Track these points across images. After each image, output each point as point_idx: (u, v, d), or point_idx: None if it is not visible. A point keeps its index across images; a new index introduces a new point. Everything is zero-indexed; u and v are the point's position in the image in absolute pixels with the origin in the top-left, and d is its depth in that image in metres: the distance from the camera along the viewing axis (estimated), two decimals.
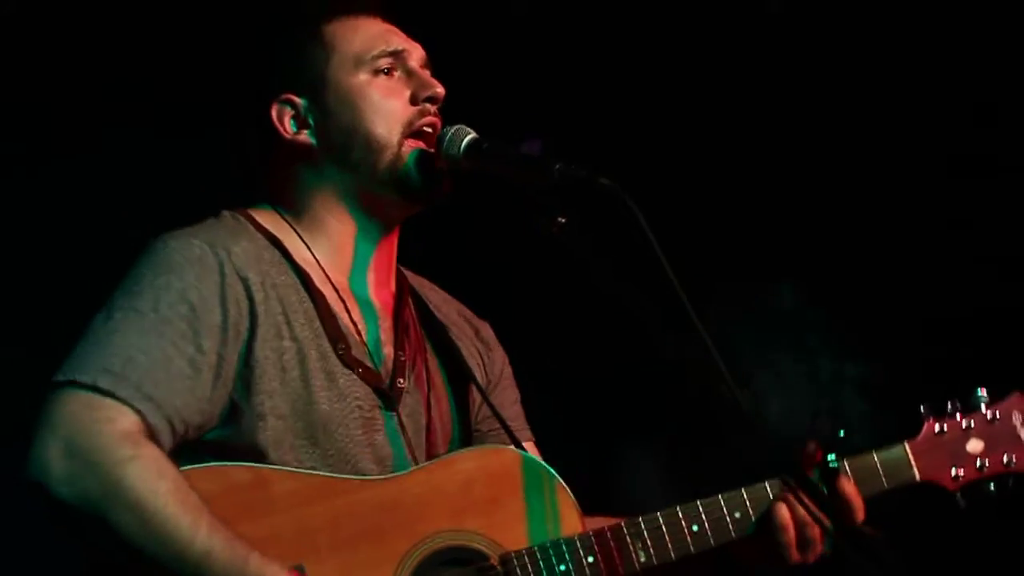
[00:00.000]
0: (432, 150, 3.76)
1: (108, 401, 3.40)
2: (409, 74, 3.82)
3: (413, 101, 3.79)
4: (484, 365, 3.98)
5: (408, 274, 3.98)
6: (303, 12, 3.87)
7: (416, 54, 3.85)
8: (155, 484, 3.36)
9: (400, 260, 3.93)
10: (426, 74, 3.83)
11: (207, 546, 3.36)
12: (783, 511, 3.77)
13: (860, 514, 3.81)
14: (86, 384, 3.41)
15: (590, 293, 3.46)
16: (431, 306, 3.95)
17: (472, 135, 3.72)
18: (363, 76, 3.79)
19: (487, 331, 4.05)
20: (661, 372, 5.38)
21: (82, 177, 5.05)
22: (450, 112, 3.83)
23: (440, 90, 3.80)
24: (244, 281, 3.60)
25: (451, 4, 5.36)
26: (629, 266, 3.35)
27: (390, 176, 3.75)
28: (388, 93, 3.78)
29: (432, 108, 3.79)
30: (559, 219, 3.50)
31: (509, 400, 4.01)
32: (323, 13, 3.85)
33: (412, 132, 3.77)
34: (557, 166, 3.51)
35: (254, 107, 3.82)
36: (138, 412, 3.41)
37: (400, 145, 3.75)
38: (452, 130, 3.74)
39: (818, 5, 5.78)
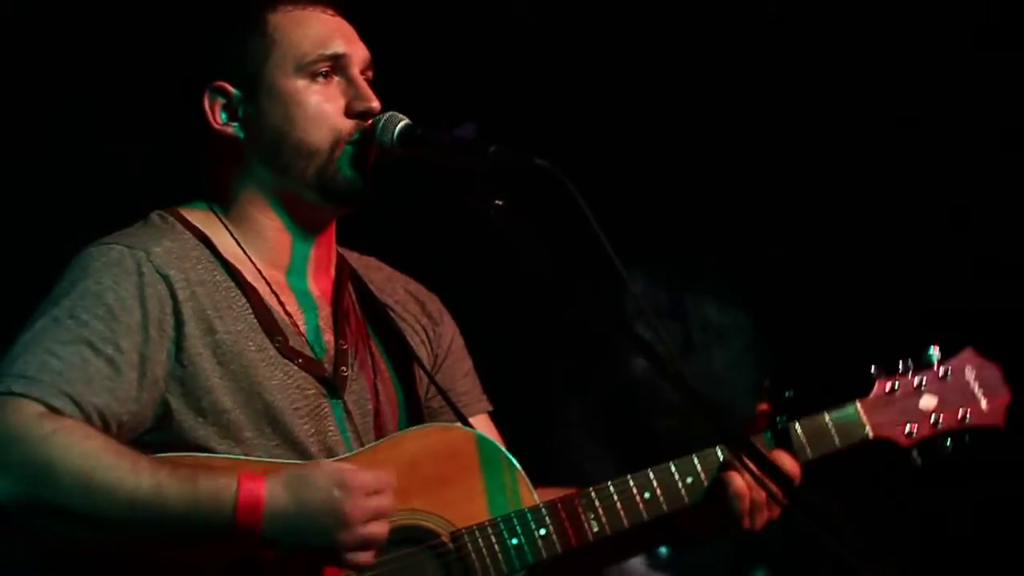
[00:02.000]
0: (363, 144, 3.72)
1: (20, 399, 3.40)
2: (348, 81, 3.76)
3: (347, 112, 3.73)
4: (430, 341, 3.96)
5: (353, 256, 3.96)
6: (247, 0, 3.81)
7: (358, 57, 3.78)
8: (83, 446, 3.36)
9: (343, 242, 3.92)
10: (364, 84, 3.76)
11: (154, 481, 3.36)
12: (736, 477, 3.78)
13: (796, 480, 3.80)
14: (1, 391, 3.40)
15: (528, 273, 3.47)
16: (373, 288, 3.92)
17: (405, 121, 3.69)
18: (300, 81, 3.73)
19: (434, 304, 4.02)
20: (601, 345, 5.46)
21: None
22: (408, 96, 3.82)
23: (375, 104, 3.73)
24: (166, 279, 3.58)
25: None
26: (568, 244, 3.37)
27: (317, 182, 3.72)
28: (323, 100, 3.73)
29: (365, 123, 3.73)
30: (495, 202, 3.49)
31: (460, 372, 3.99)
32: (269, 2, 3.78)
33: (343, 143, 3.73)
34: (492, 148, 3.49)
35: (187, 92, 3.77)
36: (52, 408, 3.40)
37: (330, 152, 3.71)
38: (384, 117, 3.71)
39: (818, 7, 5.80)
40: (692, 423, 3.39)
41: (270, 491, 3.39)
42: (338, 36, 3.79)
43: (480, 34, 5.62)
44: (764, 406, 3.85)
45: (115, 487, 3.35)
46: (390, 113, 3.72)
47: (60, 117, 5.05)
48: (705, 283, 5.99)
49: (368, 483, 3.43)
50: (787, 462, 3.79)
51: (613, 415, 5.81)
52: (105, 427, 3.46)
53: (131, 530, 3.38)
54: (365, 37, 3.85)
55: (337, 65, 3.76)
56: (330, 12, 3.82)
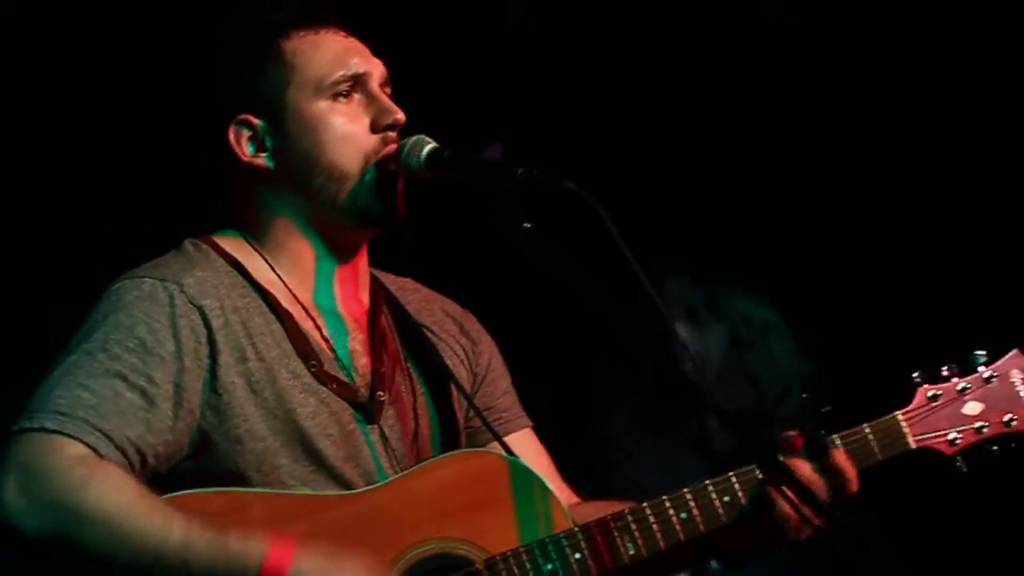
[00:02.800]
0: (391, 169, 3.72)
1: (56, 436, 3.42)
2: (369, 98, 3.76)
3: (374, 128, 3.73)
4: (469, 361, 3.95)
5: (388, 278, 3.96)
6: (261, 28, 3.80)
7: (376, 73, 3.79)
8: (117, 496, 3.39)
9: (376, 264, 3.92)
10: (385, 98, 3.77)
11: (184, 538, 3.38)
12: (781, 496, 3.70)
13: (854, 485, 3.77)
14: (35, 428, 3.43)
15: (559, 294, 3.45)
16: (410, 310, 3.92)
17: (432, 145, 3.68)
18: (323, 103, 3.73)
19: (471, 323, 4.01)
20: (633, 369, 5.43)
21: (38, 207, 5.08)
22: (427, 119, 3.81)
23: (400, 116, 3.74)
24: (199, 309, 3.59)
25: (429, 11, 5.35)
26: (597, 265, 3.35)
27: (349, 206, 3.72)
28: (348, 119, 3.73)
29: (392, 135, 3.73)
30: (524, 224, 3.48)
31: (500, 390, 3.98)
32: (282, 29, 3.78)
33: (373, 161, 3.72)
34: (520, 171, 3.49)
35: (212, 128, 3.78)
36: (88, 445, 3.42)
37: (360, 174, 3.71)
38: (411, 141, 3.70)
39: (818, 9, 5.75)
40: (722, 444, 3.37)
41: (297, 564, 3.40)
42: (354, 55, 3.79)
43: (480, 34, 5.59)
44: (795, 428, 3.81)
45: (144, 540, 3.37)
46: (417, 136, 3.72)
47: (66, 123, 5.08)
48: (742, 283, 5.96)
49: None
50: (805, 470, 3.73)
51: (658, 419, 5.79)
52: (141, 459, 3.49)
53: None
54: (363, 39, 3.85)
55: (357, 83, 3.76)
56: (342, 33, 3.82)
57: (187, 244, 3.77)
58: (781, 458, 3.69)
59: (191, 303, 3.60)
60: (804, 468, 3.74)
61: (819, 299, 5.79)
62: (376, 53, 3.84)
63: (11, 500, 3.37)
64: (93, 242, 5.02)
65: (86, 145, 5.14)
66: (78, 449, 3.42)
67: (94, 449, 3.43)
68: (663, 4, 5.82)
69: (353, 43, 3.82)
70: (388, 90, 3.81)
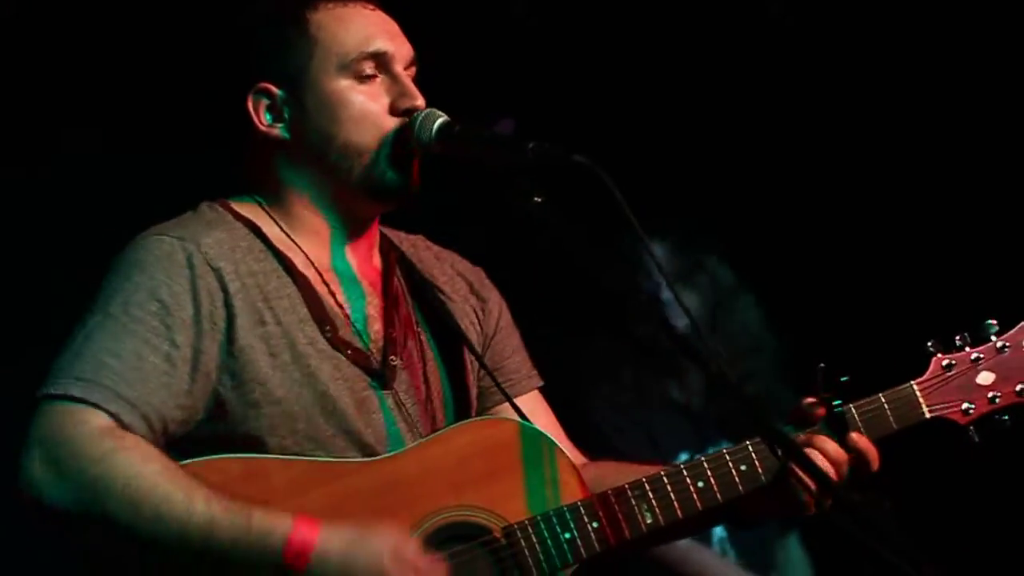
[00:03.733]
0: (405, 142, 3.71)
1: (81, 406, 3.43)
2: (392, 79, 3.74)
3: (392, 111, 3.72)
4: (480, 321, 3.95)
5: (399, 235, 3.96)
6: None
7: (401, 53, 3.76)
8: (140, 468, 3.39)
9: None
10: (408, 81, 3.75)
11: (207, 515, 3.38)
12: (818, 457, 3.70)
13: (875, 464, 3.78)
14: (60, 395, 3.44)
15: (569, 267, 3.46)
16: (422, 268, 3.92)
17: (443, 118, 3.68)
18: (344, 81, 3.71)
19: (481, 280, 4.00)
20: (635, 342, 5.44)
21: (64, 180, 5.10)
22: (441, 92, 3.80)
23: (420, 102, 3.72)
24: (216, 272, 3.59)
25: None
26: (607, 240, 3.37)
27: (363, 181, 3.72)
28: (368, 99, 3.71)
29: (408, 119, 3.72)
30: (535, 198, 3.49)
31: (509, 348, 3.98)
32: (309, 1, 3.76)
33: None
34: (531, 145, 3.49)
35: (233, 93, 3.78)
36: (112, 414, 3.44)
37: (376, 151, 3.71)
38: (423, 114, 3.70)
39: (818, 8, 5.74)
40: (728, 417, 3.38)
41: (322, 542, 3.41)
42: (381, 33, 3.77)
43: (479, 34, 5.60)
44: (818, 392, 3.81)
45: (168, 516, 3.38)
46: (428, 110, 3.72)
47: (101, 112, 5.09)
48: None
49: (422, 565, 3.44)
50: (831, 448, 3.74)
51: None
52: (163, 426, 3.49)
53: (179, 557, 3.41)
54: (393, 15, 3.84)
55: (380, 63, 3.74)
56: (371, 7, 3.80)
57: (204, 206, 3.77)
58: (794, 433, 3.73)
59: (209, 264, 3.60)
60: (829, 445, 3.74)
61: (834, 269, 5.79)
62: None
63: (37, 472, 3.40)
64: (116, 201, 5.03)
65: (102, 117, 5.16)
66: (102, 419, 3.43)
67: (118, 418, 3.44)
68: (663, 4, 5.81)
69: (382, 18, 3.80)
70: (413, 71, 3.79)
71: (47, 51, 5.11)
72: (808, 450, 3.72)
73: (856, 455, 3.77)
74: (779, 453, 3.62)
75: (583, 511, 3.67)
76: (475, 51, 5.61)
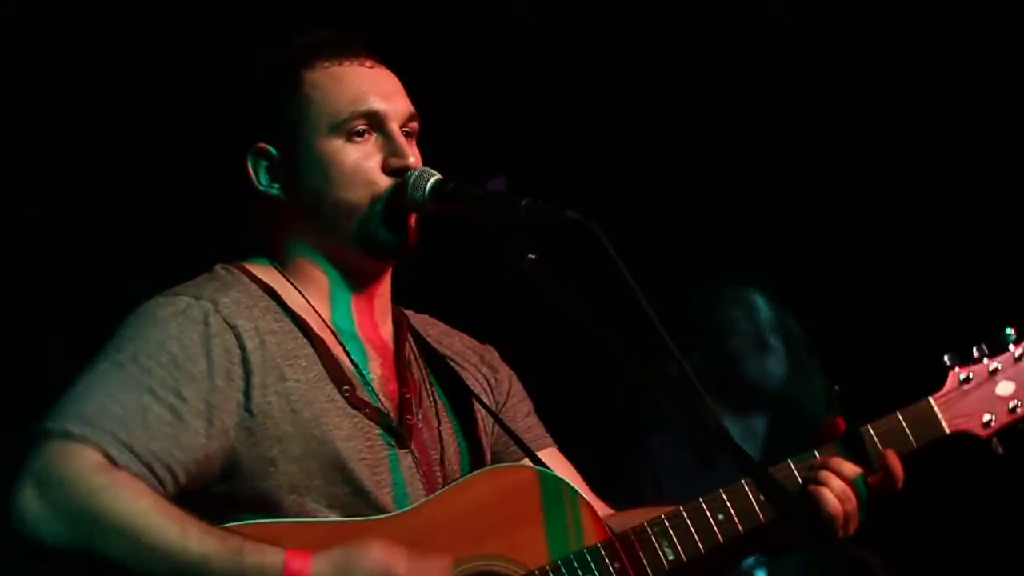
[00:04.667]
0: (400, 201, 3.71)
1: (77, 444, 3.44)
2: (386, 138, 3.73)
3: (384, 169, 3.72)
4: (491, 389, 3.96)
5: (408, 313, 3.97)
6: (285, 57, 3.79)
7: (397, 111, 3.75)
8: (134, 504, 3.40)
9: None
10: (401, 140, 3.73)
11: (202, 549, 3.39)
12: (826, 492, 3.70)
13: (900, 483, 3.76)
14: (58, 431, 3.45)
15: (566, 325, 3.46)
16: (431, 340, 3.93)
17: (436, 177, 3.67)
18: (336, 141, 3.71)
19: (491, 355, 4.02)
20: (640, 397, 5.43)
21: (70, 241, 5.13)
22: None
23: (411, 161, 3.71)
24: (233, 329, 3.60)
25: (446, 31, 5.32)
26: (604, 296, 3.36)
27: (359, 238, 3.71)
28: (360, 159, 3.71)
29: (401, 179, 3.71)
30: (529, 255, 3.49)
31: (522, 414, 3.98)
32: (306, 59, 3.76)
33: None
34: (524, 202, 3.48)
35: (233, 156, 3.79)
36: (107, 454, 3.43)
37: (370, 208, 3.70)
38: (415, 174, 3.69)
39: (818, 9, 5.67)
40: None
41: (315, 570, 3.41)
42: (374, 92, 3.75)
43: (479, 34, 5.56)
44: (834, 415, 3.79)
45: (162, 551, 3.38)
46: (421, 169, 3.71)
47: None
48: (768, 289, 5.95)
49: (417, 574, 3.45)
50: (847, 470, 3.73)
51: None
52: (172, 477, 3.49)
53: None
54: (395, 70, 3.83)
55: (374, 122, 3.73)
56: (368, 64, 3.78)
57: (219, 268, 3.77)
58: (811, 456, 3.73)
59: (225, 322, 3.60)
60: (845, 467, 3.73)
61: (843, 287, 5.77)
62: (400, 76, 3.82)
63: (30, 507, 3.40)
64: (125, 264, 5.06)
65: (107, 179, 5.18)
66: (97, 456, 3.43)
67: (115, 461, 3.44)
68: (663, 4, 5.76)
69: (377, 76, 3.79)
70: (414, 126, 3.78)
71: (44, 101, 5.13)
72: (823, 473, 3.72)
73: (883, 473, 3.75)
74: (777, 505, 3.60)
75: (604, 552, 3.65)
76: (475, 51, 5.58)
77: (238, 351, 3.60)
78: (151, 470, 3.47)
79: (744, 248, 5.88)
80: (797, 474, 3.76)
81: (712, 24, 5.78)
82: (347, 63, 3.77)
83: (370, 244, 3.73)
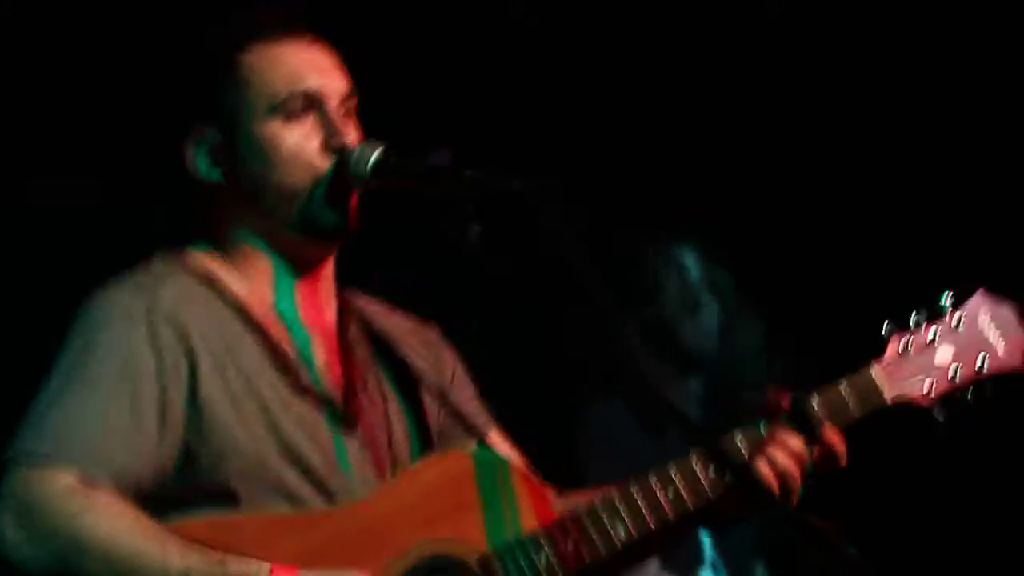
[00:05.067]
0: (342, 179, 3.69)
1: (48, 467, 3.43)
2: (324, 117, 3.71)
3: (324, 148, 3.69)
4: (435, 370, 3.94)
5: (348, 293, 3.94)
6: (222, 40, 3.77)
7: (333, 89, 3.72)
8: (113, 525, 3.39)
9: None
10: (337, 119, 3.71)
11: (183, 567, 3.39)
12: (762, 463, 3.70)
13: (843, 459, 3.77)
14: (27, 454, 3.44)
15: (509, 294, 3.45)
16: (375, 322, 3.91)
17: (378, 152, 3.65)
18: (274, 123, 3.68)
19: (433, 334, 4.01)
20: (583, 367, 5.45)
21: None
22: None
23: (349, 140, 3.68)
24: (175, 322, 3.58)
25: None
26: (544, 262, 3.35)
27: (300, 222, 3.69)
28: (300, 140, 3.68)
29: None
30: (473, 227, 3.46)
31: (465, 397, 3.97)
32: (242, 41, 3.74)
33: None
34: (468, 174, 3.47)
35: (169, 140, 3.77)
36: (80, 472, 3.43)
37: (311, 191, 3.68)
38: (358, 150, 3.66)
39: (818, 9, 5.71)
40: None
41: None
42: (311, 70, 3.73)
43: (478, 34, 5.57)
44: (775, 389, 3.80)
45: (143, 572, 3.39)
46: (363, 144, 3.68)
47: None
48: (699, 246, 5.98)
49: None
50: (794, 443, 3.73)
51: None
52: (135, 482, 3.48)
53: None
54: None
55: (311, 101, 3.70)
56: (307, 40, 3.76)
57: (155, 259, 3.74)
58: (761, 428, 3.74)
59: (167, 318, 3.59)
60: (792, 439, 3.73)
61: (785, 256, 5.80)
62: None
63: (10, 536, 3.39)
64: (64, 261, 5.00)
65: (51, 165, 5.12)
66: (70, 478, 3.42)
67: (89, 479, 3.43)
68: (663, 3, 5.79)
69: (314, 55, 3.76)
70: (352, 103, 3.76)
71: None
72: (769, 448, 3.72)
73: (825, 448, 3.76)
74: (722, 473, 3.61)
75: (558, 532, 3.65)
76: (474, 50, 5.58)
77: (180, 346, 3.58)
78: (116, 480, 3.46)
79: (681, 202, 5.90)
80: (742, 446, 3.76)
81: (712, 24, 5.79)
82: (284, 41, 3.74)
83: (312, 227, 3.70)
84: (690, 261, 5.91)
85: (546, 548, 3.64)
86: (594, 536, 3.67)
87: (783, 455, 3.71)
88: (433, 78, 5.19)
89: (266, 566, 3.41)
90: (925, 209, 5.75)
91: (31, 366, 3.62)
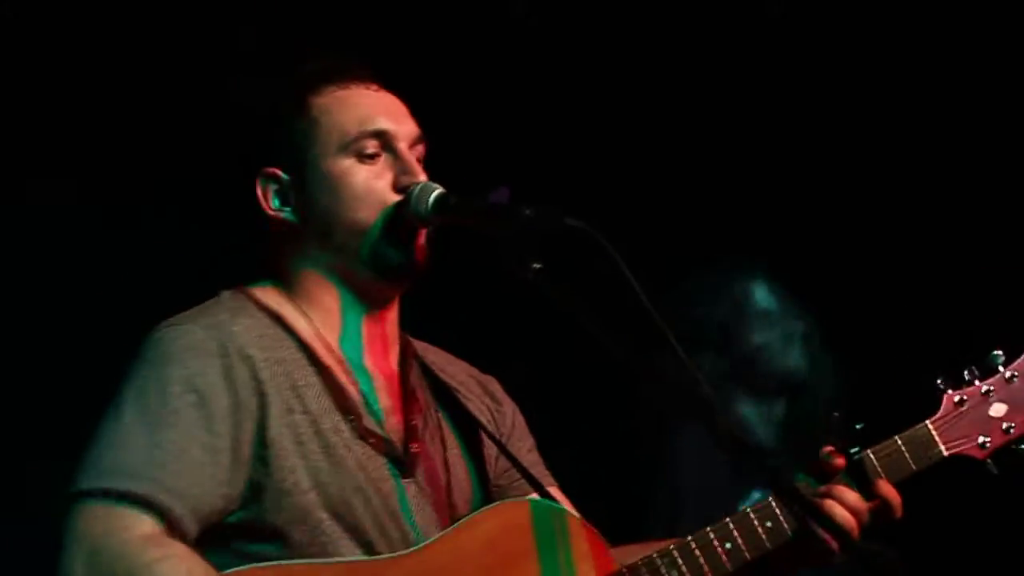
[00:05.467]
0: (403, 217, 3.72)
1: (125, 506, 3.41)
2: (395, 157, 3.75)
3: (395, 187, 3.72)
4: (495, 420, 3.94)
5: (411, 339, 3.95)
6: (291, 82, 3.83)
7: (404, 132, 3.77)
8: None
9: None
10: (411, 159, 3.75)
11: None
12: (836, 508, 3.69)
13: (899, 511, 3.77)
14: (101, 492, 3.42)
15: (576, 335, 3.44)
16: (436, 368, 3.92)
17: (438, 191, 3.68)
18: (346, 161, 3.72)
19: (494, 386, 4.01)
20: (652, 406, 5.43)
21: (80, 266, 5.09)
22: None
23: (422, 179, 3.73)
24: (248, 360, 3.59)
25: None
26: (609, 301, 3.35)
27: (370, 259, 3.71)
28: (370, 178, 3.72)
29: None
30: (534, 265, 3.46)
31: (524, 449, 3.95)
32: (312, 84, 3.79)
33: None
34: (527, 212, 3.49)
35: (242, 181, 3.80)
36: (158, 510, 3.42)
37: (381, 229, 3.71)
38: (418, 188, 3.70)
39: (817, 8, 5.76)
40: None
41: None
42: (382, 112, 3.78)
43: (478, 33, 5.60)
44: (835, 441, 3.79)
45: None
46: (423, 183, 3.72)
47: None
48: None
49: None
50: (851, 498, 3.73)
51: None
52: (206, 516, 3.47)
53: None
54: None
55: (383, 142, 3.75)
56: (373, 88, 3.81)
57: (225, 294, 3.77)
58: (815, 486, 3.74)
59: (240, 353, 3.60)
60: (848, 495, 3.73)
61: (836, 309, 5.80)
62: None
63: (77, 574, 3.37)
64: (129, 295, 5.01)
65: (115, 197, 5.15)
66: (148, 525, 3.41)
67: (164, 512, 3.42)
68: (663, 3, 5.83)
69: (383, 98, 3.81)
70: (420, 149, 3.80)
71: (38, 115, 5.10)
72: (828, 502, 3.71)
73: (881, 502, 3.76)
74: (795, 509, 3.60)
75: (643, 567, 3.66)
76: (474, 50, 5.61)
77: (253, 382, 3.59)
78: (194, 514, 3.46)
79: (741, 242, 5.89)
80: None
81: (711, 23, 5.82)
82: (353, 87, 3.79)
83: (379, 264, 3.72)
84: (765, 293, 5.91)
85: None
86: None
87: (841, 509, 3.71)
88: (431, 76, 5.17)
89: None
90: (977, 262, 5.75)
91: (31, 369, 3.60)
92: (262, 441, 3.56)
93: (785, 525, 3.73)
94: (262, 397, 3.58)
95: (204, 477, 3.48)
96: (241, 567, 3.48)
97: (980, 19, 5.68)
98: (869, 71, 5.81)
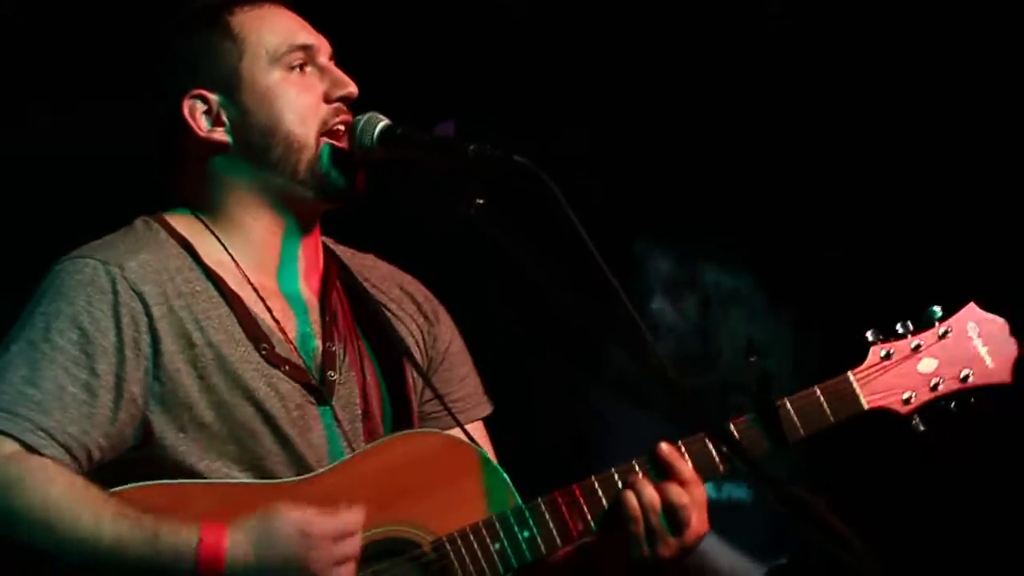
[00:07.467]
0: (345, 147, 3.71)
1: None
2: (321, 70, 3.76)
3: (327, 99, 3.73)
4: (425, 343, 3.91)
5: (347, 253, 3.93)
6: (206, 8, 3.80)
7: (324, 47, 3.79)
8: (46, 493, 3.40)
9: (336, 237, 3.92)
10: (337, 71, 3.77)
11: (115, 534, 3.39)
12: (630, 497, 3.65)
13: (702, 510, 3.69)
14: None
15: (513, 270, 3.45)
16: (368, 286, 3.89)
17: (384, 122, 3.68)
18: (277, 73, 3.72)
19: (430, 304, 3.97)
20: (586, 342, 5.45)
21: None
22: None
23: (353, 89, 3.75)
24: (140, 296, 3.58)
25: None
26: (551, 243, 3.36)
27: (310, 176, 3.71)
28: (303, 90, 3.73)
29: (345, 107, 3.74)
30: (476, 200, 3.47)
31: (458, 376, 3.94)
32: (226, 7, 3.78)
33: (327, 131, 3.72)
34: (471, 147, 3.48)
35: (164, 104, 3.77)
36: (23, 442, 3.43)
37: (317, 144, 3.70)
38: (364, 119, 3.69)
39: (818, 7, 5.74)
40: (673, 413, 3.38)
41: (231, 544, 3.39)
42: (300, 28, 3.80)
43: (477, 33, 5.58)
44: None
45: (78, 539, 3.40)
46: (370, 114, 3.71)
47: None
48: (714, 250, 5.99)
49: (332, 530, 3.42)
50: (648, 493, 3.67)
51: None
52: (87, 454, 3.50)
53: (93, 574, 3.41)
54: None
55: (308, 56, 3.76)
56: (281, 7, 3.82)
57: (138, 223, 3.75)
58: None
59: (132, 289, 3.58)
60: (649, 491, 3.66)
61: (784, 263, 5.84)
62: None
63: None
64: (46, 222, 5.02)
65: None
66: (11, 446, 3.44)
67: (30, 446, 3.43)
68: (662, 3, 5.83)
69: (296, 17, 3.82)
70: (333, 62, 3.80)
71: None
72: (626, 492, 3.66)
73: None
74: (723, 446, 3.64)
75: (513, 520, 3.64)
76: (474, 50, 5.60)
77: (145, 319, 3.58)
78: (68, 451, 3.47)
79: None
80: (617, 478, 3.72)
81: (710, 23, 5.82)
82: (265, 6, 3.80)
83: (319, 184, 3.71)
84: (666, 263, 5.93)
85: (532, 524, 3.63)
86: (585, 506, 3.67)
87: (635, 503, 3.66)
88: (430, 73, 5.18)
89: (195, 531, 3.39)
90: (921, 217, 5.77)
91: None
92: (156, 377, 3.56)
93: (605, 505, 3.69)
94: (153, 333, 3.57)
95: (81, 416, 3.49)
96: (133, 484, 3.49)
97: (980, 19, 5.67)
98: (868, 71, 5.82)
